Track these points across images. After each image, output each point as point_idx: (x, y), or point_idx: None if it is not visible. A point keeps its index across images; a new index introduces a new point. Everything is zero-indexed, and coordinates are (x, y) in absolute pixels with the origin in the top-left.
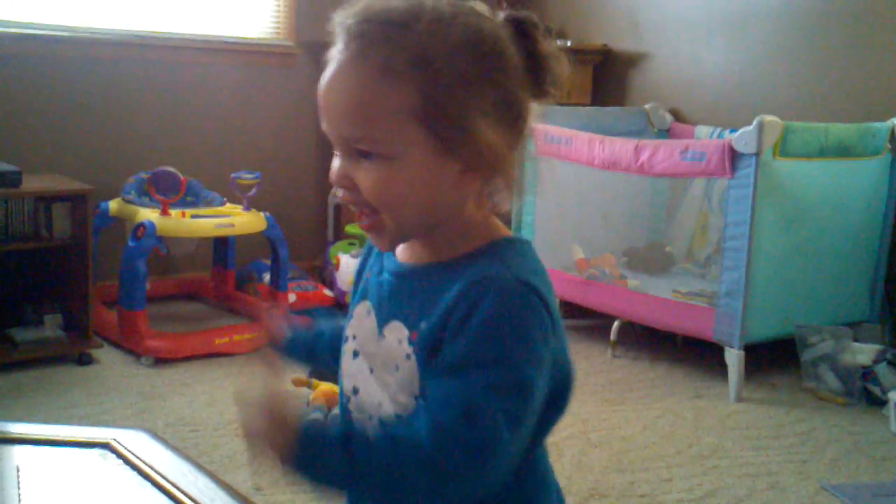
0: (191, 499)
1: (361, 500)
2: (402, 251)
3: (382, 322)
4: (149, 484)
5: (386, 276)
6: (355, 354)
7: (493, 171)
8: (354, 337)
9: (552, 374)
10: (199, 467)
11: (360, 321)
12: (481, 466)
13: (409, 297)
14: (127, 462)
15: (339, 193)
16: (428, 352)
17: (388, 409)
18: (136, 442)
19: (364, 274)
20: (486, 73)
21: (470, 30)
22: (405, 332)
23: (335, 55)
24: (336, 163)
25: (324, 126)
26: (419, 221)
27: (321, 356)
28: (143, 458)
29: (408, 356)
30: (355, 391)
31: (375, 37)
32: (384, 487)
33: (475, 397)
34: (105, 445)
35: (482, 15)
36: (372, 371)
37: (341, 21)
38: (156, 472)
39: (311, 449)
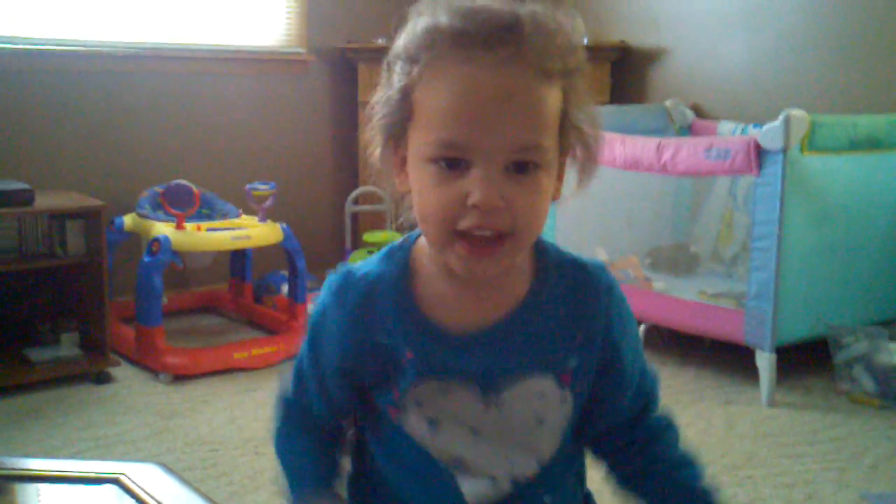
0: None
1: None
2: (433, 309)
3: (495, 388)
4: None
5: (465, 341)
6: (434, 424)
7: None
8: (419, 404)
9: None
10: None
11: (435, 401)
12: None
13: (527, 345)
14: (136, 499)
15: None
16: (592, 380)
17: (528, 464)
18: (148, 477)
19: (393, 354)
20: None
21: (584, 46)
22: (550, 381)
23: (464, 49)
24: (482, 182)
25: (473, 138)
26: (532, 242)
27: None
28: (153, 495)
29: (563, 401)
30: (459, 461)
31: (526, 37)
32: None
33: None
34: (114, 481)
35: None
36: (477, 434)
37: (454, 21)
38: None
39: None
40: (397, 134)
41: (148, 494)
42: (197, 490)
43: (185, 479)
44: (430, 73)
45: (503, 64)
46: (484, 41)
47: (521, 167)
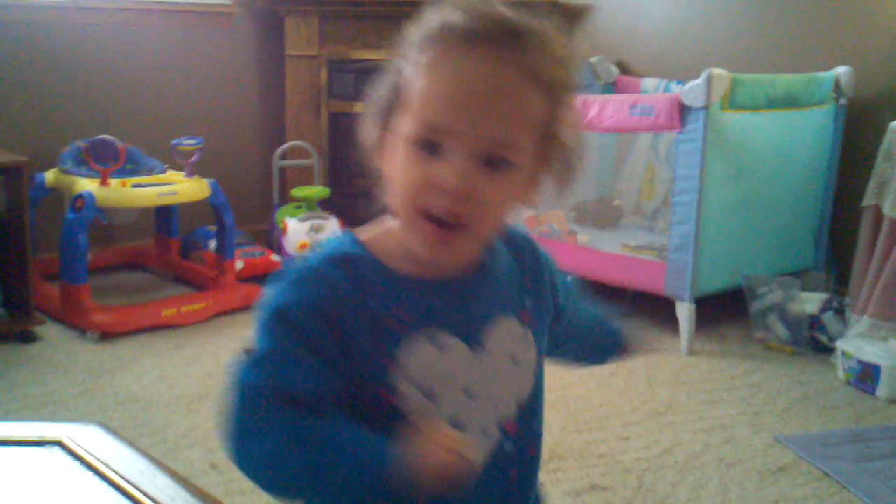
0: (150, 498)
1: None
2: (401, 263)
3: (477, 334)
4: (105, 484)
5: (443, 286)
6: (431, 396)
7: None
8: (413, 380)
9: None
10: (157, 463)
11: (430, 368)
12: None
13: (492, 289)
14: (80, 460)
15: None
16: (547, 322)
17: (509, 407)
18: (90, 438)
19: (384, 318)
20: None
21: (577, 61)
22: (514, 321)
23: (469, 45)
24: (453, 166)
25: (455, 122)
26: (490, 238)
27: None
28: (97, 455)
29: (526, 340)
30: (456, 423)
31: (528, 44)
32: None
33: None
34: (56, 443)
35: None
36: (469, 393)
37: (467, 20)
38: (112, 470)
39: None
40: (390, 117)
41: (91, 455)
42: (139, 449)
43: (127, 439)
44: (433, 62)
45: (501, 62)
46: (490, 40)
47: (494, 162)
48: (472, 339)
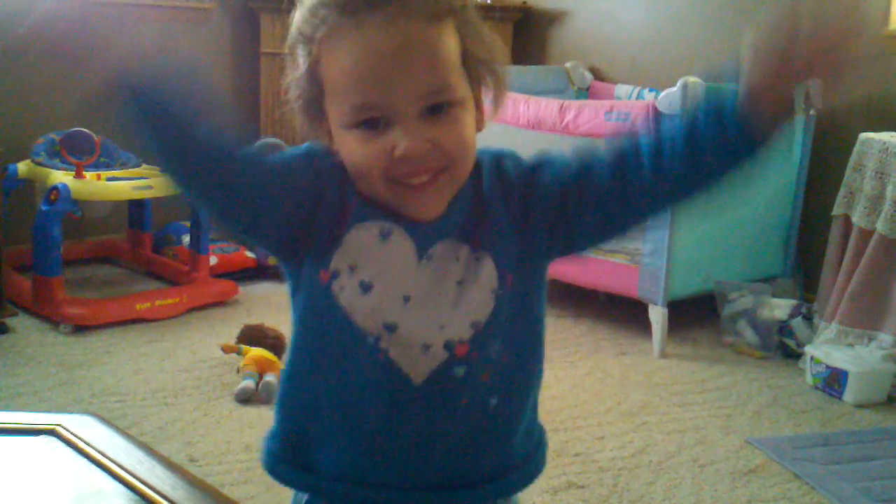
0: (151, 487)
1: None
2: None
3: (426, 244)
4: (102, 472)
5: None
6: (366, 288)
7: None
8: (353, 267)
9: None
10: (153, 453)
11: (371, 257)
12: None
13: (446, 215)
14: (76, 449)
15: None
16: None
17: (461, 326)
18: (84, 427)
19: (341, 202)
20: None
21: None
22: (464, 246)
23: (354, 14)
24: (405, 133)
25: (385, 95)
26: (468, 172)
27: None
28: (93, 444)
29: (477, 262)
30: (391, 328)
31: None
32: None
33: None
34: (50, 432)
35: None
36: (408, 300)
37: None
38: (109, 459)
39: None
40: (315, 111)
41: (87, 444)
42: (134, 439)
43: (121, 429)
44: (327, 48)
45: (392, 20)
46: (368, 3)
47: (436, 109)
48: (420, 246)
